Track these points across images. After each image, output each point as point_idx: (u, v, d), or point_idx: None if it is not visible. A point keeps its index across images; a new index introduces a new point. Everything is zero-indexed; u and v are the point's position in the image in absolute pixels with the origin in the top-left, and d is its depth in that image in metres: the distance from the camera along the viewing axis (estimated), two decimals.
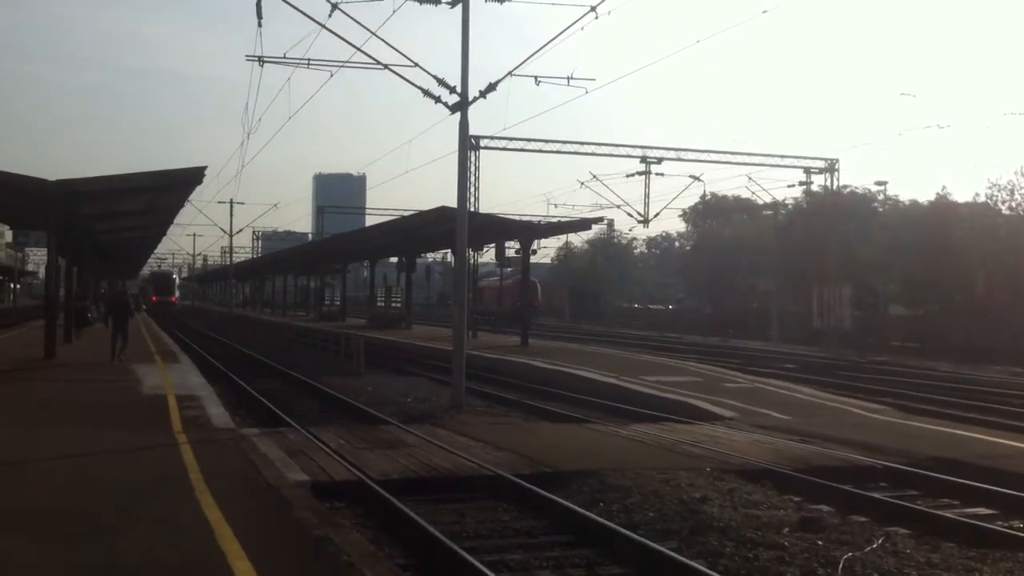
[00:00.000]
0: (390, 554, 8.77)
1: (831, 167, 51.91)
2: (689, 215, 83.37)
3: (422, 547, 9.04)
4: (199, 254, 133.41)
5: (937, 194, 53.45)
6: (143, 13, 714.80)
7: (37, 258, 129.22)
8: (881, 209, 59.63)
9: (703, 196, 70.74)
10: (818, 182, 53.23)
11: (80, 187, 24.84)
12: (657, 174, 51.64)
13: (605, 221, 75.35)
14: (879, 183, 60.22)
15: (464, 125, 20.24)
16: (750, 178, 50.63)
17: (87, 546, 7.69)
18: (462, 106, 20.12)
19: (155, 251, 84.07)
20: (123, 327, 26.15)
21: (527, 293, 40.85)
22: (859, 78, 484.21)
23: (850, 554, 8.68)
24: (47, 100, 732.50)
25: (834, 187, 52.55)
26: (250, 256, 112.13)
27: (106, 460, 11.62)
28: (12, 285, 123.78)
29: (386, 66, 21.02)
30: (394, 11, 20.78)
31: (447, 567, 8.41)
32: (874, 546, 9.02)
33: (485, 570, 8.00)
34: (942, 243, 46.46)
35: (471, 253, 45.74)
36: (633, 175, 51.67)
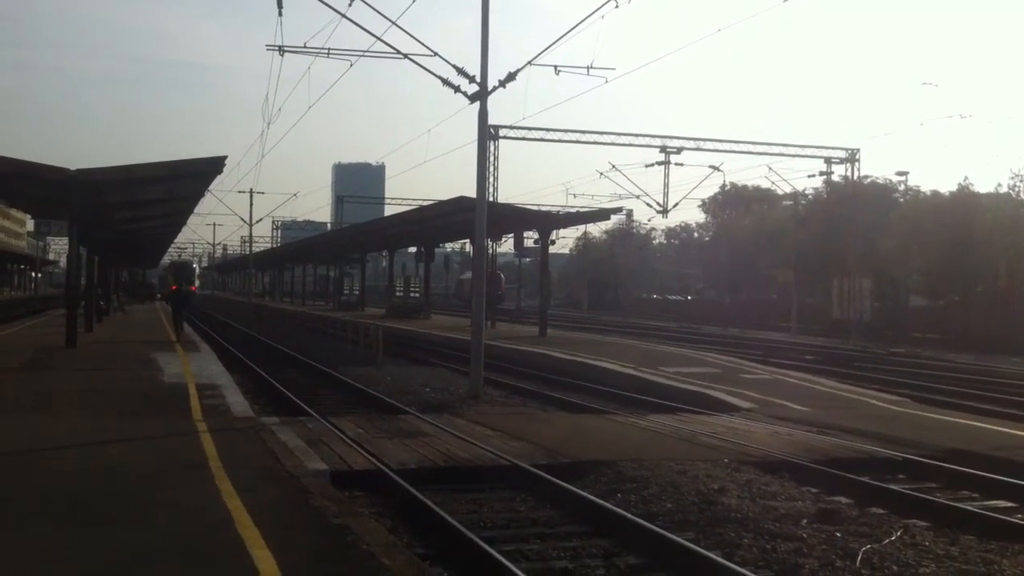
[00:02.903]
0: (409, 543, 8.80)
1: (852, 157, 51.66)
2: (708, 205, 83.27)
3: (440, 536, 9.08)
4: (219, 243, 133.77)
5: (959, 184, 53.18)
6: (163, 4, 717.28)
7: (58, 247, 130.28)
8: (902, 200, 59.32)
9: (722, 186, 70.76)
10: (838, 172, 53.05)
11: (101, 176, 24.97)
12: (677, 164, 51.56)
13: (624, 211, 75.42)
14: (900, 173, 59.93)
15: (483, 114, 20.22)
16: (770, 168, 50.47)
17: (110, 533, 7.75)
18: (481, 95, 20.10)
19: (175, 240, 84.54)
20: (181, 314, 33.59)
21: (546, 284, 40.79)
22: (880, 68, 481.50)
23: (868, 546, 8.66)
24: (69, 91, 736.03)
25: (855, 177, 52.30)
26: (270, 246, 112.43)
27: (127, 448, 11.71)
28: (33, 274, 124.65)
29: (406, 55, 21.04)
30: (413, 0, 20.81)
31: (465, 556, 8.44)
32: (892, 538, 8.99)
33: (503, 560, 8.02)
34: (963, 234, 46.20)
35: (490, 243, 45.74)
36: (652, 165, 51.62)
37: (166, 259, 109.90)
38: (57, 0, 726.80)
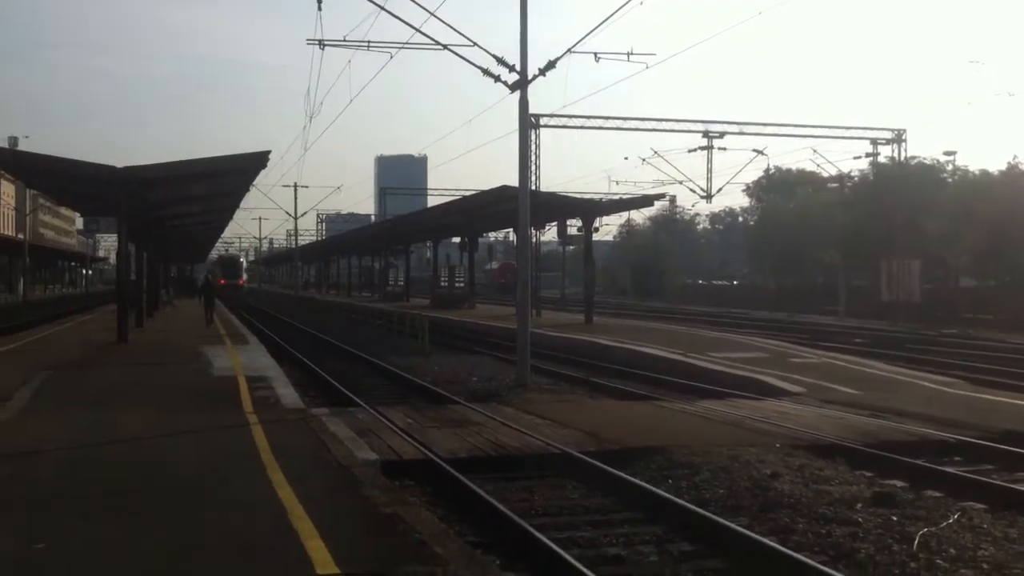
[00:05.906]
0: (460, 531, 8.82)
1: (898, 138, 50.93)
2: (752, 189, 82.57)
3: (492, 524, 9.08)
4: (265, 237, 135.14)
5: (1008, 163, 52.29)
6: (206, 4, 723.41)
7: (107, 244, 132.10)
8: (950, 180, 58.45)
9: (766, 170, 70.09)
10: (885, 153, 52.28)
11: (147, 173, 25.27)
12: (720, 148, 51.14)
13: (667, 197, 75.11)
14: (948, 153, 59.06)
15: (524, 103, 20.14)
16: (814, 150, 49.96)
17: (164, 524, 7.83)
18: (522, 84, 20.03)
19: (222, 235, 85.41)
20: (211, 302, 38.25)
21: (591, 272, 40.68)
22: (926, 46, 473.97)
23: (925, 529, 8.55)
24: (115, 91, 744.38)
25: (901, 158, 51.55)
26: (315, 238, 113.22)
27: (179, 441, 11.83)
28: (84, 271, 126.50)
29: (445, 46, 21.03)
30: None
31: (517, 544, 8.44)
32: (950, 521, 8.87)
33: (555, 547, 8.01)
34: (1013, 213, 45.49)
35: (533, 232, 45.69)
36: (695, 150, 51.22)
37: (214, 253, 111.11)
38: (101, 4, 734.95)
